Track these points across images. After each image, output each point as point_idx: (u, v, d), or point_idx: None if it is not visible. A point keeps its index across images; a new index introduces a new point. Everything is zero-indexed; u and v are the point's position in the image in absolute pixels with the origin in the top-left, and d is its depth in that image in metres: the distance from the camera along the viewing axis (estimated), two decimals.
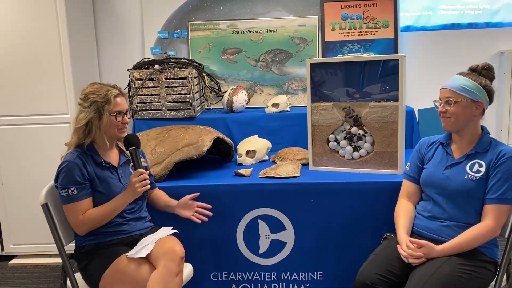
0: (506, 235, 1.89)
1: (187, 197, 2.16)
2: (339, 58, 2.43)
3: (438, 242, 1.87)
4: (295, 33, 3.36)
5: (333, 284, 2.40)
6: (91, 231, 1.98)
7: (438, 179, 1.95)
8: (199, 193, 2.16)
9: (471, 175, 1.88)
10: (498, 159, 1.85)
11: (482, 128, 1.96)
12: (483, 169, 1.87)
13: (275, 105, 3.11)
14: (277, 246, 2.39)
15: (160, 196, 2.25)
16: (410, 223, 2.00)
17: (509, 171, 1.83)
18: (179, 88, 2.97)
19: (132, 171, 2.09)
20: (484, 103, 1.90)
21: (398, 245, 1.90)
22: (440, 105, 1.94)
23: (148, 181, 1.99)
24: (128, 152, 2.10)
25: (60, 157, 2.01)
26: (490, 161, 1.87)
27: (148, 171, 2.20)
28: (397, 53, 3.30)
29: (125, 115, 2.03)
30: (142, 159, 2.15)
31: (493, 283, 1.86)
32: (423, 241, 1.85)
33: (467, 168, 1.90)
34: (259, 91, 3.40)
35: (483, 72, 1.93)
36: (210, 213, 2.10)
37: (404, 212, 2.03)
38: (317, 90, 2.48)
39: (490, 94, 1.92)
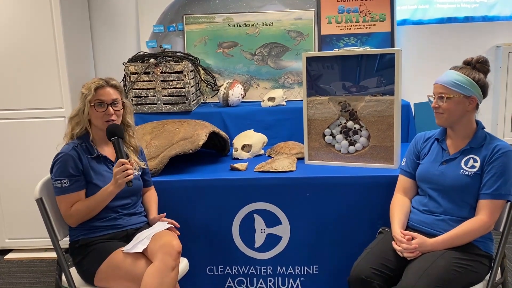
0: (501, 229, 1.89)
1: (160, 216, 2.11)
2: (335, 52, 2.42)
3: (432, 236, 1.88)
4: (291, 27, 3.35)
5: (329, 278, 2.41)
6: (86, 225, 1.98)
7: (433, 175, 1.95)
8: (165, 214, 2.12)
9: (466, 171, 1.88)
10: (493, 155, 1.85)
11: (477, 122, 1.96)
12: (477, 165, 1.87)
13: (271, 99, 3.10)
14: (272, 240, 2.40)
15: (149, 199, 2.21)
16: (406, 218, 2.00)
17: (504, 167, 1.83)
18: (174, 82, 2.96)
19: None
20: (477, 98, 1.89)
21: (393, 241, 1.90)
22: (433, 100, 1.94)
23: (130, 172, 1.93)
24: (126, 148, 2.09)
25: (57, 147, 2.02)
26: (485, 156, 1.87)
27: (146, 170, 2.21)
28: (394, 47, 3.29)
29: (109, 106, 2.01)
30: (142, 162, 2.15)
31: (487, 277, 1.87)
32: (415, 233, 1.86)
33: (462, 164, 1.90)
34: (255, 85, 3.39)
35: (478, 66, 1.92)
36: (178, 232, 2.08)
37: (399, 207, 2.03)
38: (313, 84, 2.47)
39: (484, 88, 1.90)
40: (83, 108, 2.00)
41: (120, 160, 1.94)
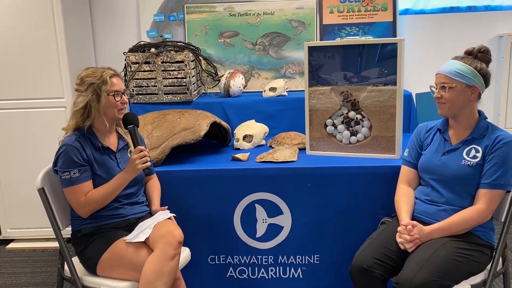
0: (502, 219, 1.90)
1: (161, 208, 2.11)
2: (337, 41, 2.41)
3: None
4: (292, 16, 3.33)
5: (330, 267, 2.42)
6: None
7: (435, 166, 1.95)
8: (166, 206, 2.13)
9: (468, 161, 1.88)
10: (494, 145, 1.85)
11: (480, 112, 1.96)
12: (479, 155, 1.87)
13: (273, 89, 3.09)
14: (274, 230, 2.40)
15: (152, 189, 2.20)
16: (412, 208, 2.00)
17: (504, 157, 1.83)
18: (175, 72, 2.95)
19: (130, 156, 2.08)
20: (479, 87, 1.89)
21: (397, 234, 1.90)
22: (435, 90, 1.93)
23: (148, 158, 1.99)
24: (127, 138, 2.10)
25: (58, 141, 2.00)
26: (487, 146, 1.87)
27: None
28: (396, 37, 3.28)
29: (123, 95, 2.03)
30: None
31: (488, 266, 1.88)
32: (413, 222, 1.86)
33: (464, 154, 1.90)
34: (256, 75, 3.38)
35: (479, 55, 1.91)
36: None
37: (405, 197, 2.02)
38: (315, 74, 2.46)
39: (486, 78, 1.90)
40: (96, 98, 1.96)
41: (139, 147, 1.98)
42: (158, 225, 1.92)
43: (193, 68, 3.04)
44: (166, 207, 2.12)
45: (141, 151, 1.97)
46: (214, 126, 2.64)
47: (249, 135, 2.71)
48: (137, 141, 2.02)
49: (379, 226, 2.09)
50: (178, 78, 2.95)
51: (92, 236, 1.96)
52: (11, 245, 3.31)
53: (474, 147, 1.90)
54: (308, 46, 2.44)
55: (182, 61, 2.93)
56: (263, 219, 2.40)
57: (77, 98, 2.00)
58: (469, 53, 1.94)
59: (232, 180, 2.34)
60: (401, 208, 1.99)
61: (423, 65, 3.37)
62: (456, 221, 1.84)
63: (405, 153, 2.12)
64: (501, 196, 1.86)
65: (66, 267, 2.00)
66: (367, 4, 3.30)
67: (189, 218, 2.32)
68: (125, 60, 2.98)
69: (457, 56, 1.95)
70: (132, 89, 2.97)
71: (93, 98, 1.97)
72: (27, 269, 2.96)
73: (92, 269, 1.94)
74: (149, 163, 1.99)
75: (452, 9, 3.44)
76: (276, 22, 3.33)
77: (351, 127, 2.46)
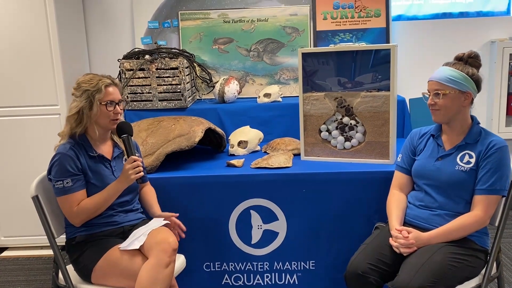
0: (496, 224, 1.91)
1: (168, 214, 2.10)
2: (331, 47, 2.43)
3: (428, 231, 1.89)
4: (286, 23, 3.34)
5: (325, 273, 2.42)
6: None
7: (429, 171, 1.96)
8: (177, 214, 2.12)
9: (462, 166, 1.89)
10: (488, 150, 1.86)
11: (472, 118, 1.97)
12: (473, 160, 1.88)
13: (267, 95, 3.10)
14: (269, 236, 2.40)
15: (148, 196, 2.19)
16: (403, 213, 2.01)
17: (498, 162, 1.84)
18: (170, 79, 2.95)
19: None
20: (472, 93, 1.90)
21: (391, 238, 1.91)
22: (429, 97, 1.94)
23: (141, 168, 1.98)
24: (121, 144, 2.09)
25: (54, 147, 2.00)
26: (480, 152, 1.88)
27: (142, 165, 2.20)
28: (389, 43, 3.30)
29: (117, 105, 2.02)
30: (137, 154, 2.14)
31: (483, 271, 1.88)
32: (409, 228, 1.87)
33: (458, 159, 1.91)
34: (251, 81, 3.39)
35: (470, 61, 1.92)
36: (183, 235, 2.08)
37: (396, 203, 2.03)
38: (309, 80, 2.47)
39: (477, 83, 1.91)
40: (88, 105, 1.96)
41: (132, 157, 1.97)
42: (153, 232, 1.91)
43: (187, 75, 3.05)
44: (177, 214, 2.11)
45: (134, 161, 1.96)
46: (208, 132, 2.65)
47: (244, 141, 2.71)
48: (131, 151, 2.00)
49: (373, 231, 2.09)
50: (173, 84, 2.95)
51: (86, 243, 1.95)
52: (5, 253, 3.29)
53: (467, 153, 1.91)
54: (302, 53, 2.45)
55: (176, 68, 2.94)
56: (258, 225, 2.40)
57: (72, 103, 2.00)
58: (459, 58, 1.95)
59: (227, 186, 2.34)
60: (392, 213, 2.00)
61: (416, 71, 3.39)
62: (454, 227, 1.85)
63: (398, 158, 2.13)
64: (497, 201, 1.87)
65: (60, 275, 1.99)
66: (361, 11, 3.32)
67: (184, 225, 2.30)
68: (120, 67, 2.99)
69: (448, 62, 1.96)
70: (127, 96, 2.96)
71: (86, 105, 1.96)
72: (21, 277, 2.94)
73: (86, 277, 1.93)
74: (142, 173, 1.97)
75: (444, 15, 3.47)
76: (270, 28, 3.35)
77: (345, 132, 2.47)
